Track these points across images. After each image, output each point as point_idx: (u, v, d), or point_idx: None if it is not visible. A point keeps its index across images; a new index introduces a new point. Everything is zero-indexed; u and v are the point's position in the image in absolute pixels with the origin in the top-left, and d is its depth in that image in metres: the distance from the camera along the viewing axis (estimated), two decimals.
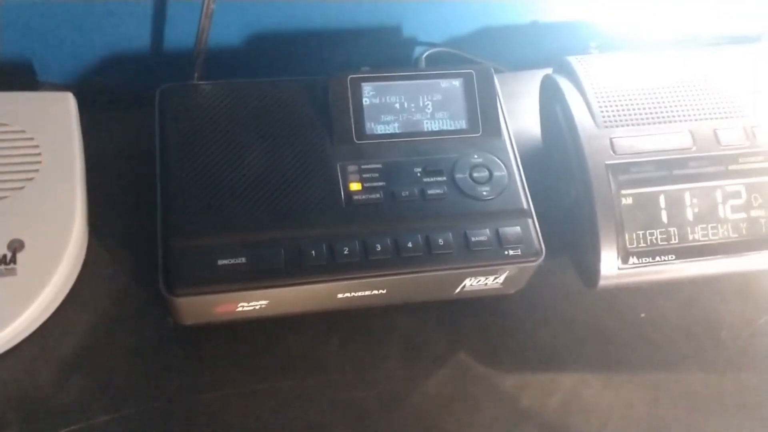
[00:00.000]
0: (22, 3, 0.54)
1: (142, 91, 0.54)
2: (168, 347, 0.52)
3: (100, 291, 0.52)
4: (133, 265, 0.54)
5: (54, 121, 0.53)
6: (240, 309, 0.49)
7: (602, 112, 0.56)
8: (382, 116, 0.54)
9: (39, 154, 0.52)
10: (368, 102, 0.54)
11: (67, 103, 0.54)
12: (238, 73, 0.57)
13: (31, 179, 0.51)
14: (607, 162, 0.54)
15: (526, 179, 0.54)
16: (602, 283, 0.54)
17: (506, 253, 0.50)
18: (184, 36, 0.57)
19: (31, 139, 0.52)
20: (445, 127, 0.54)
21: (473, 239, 0.50)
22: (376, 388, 0.52)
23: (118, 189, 0.56)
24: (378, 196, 0.51)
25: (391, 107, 0.54)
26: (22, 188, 0.50)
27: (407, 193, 0.51)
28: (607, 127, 0.55)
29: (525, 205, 0.52)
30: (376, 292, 0.51)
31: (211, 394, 0.50)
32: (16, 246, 0.49)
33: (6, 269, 0.48)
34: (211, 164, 0.51)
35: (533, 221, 0.52)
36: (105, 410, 0.48)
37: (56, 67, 0.59)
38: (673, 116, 0.57)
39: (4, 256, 0.48)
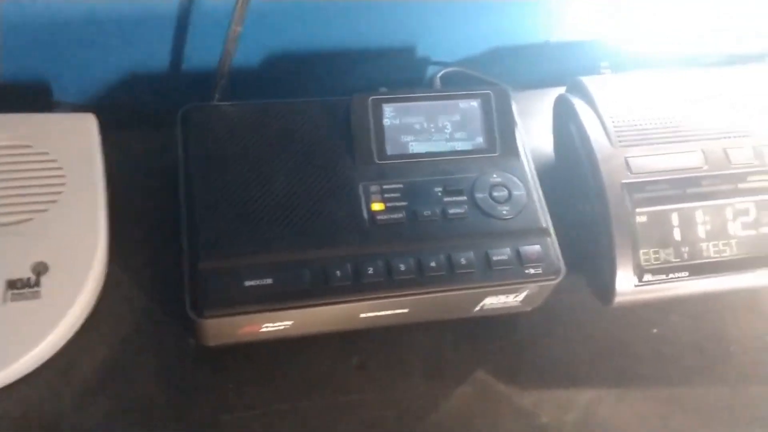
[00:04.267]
0: (43, 23, 0.54)
1: (161, 111, 0.55)
2: (190, 368, 0.52)
3: (121, 312, 0.52)
4: (154, 287, 0.54)
5: (77, 143, 0.53)
6: (264, 329, 0.50)
7: (617, 131, 0.57)
8: (403, 137, 0.55)
9: (62, 176, 0.52)
10: (389, 123, 0.55)
11: (90, 124, 0.54)
12: (255, 94, 0.57)
13: (54, 201, 0.51)
14: (623, 181, 0.55)
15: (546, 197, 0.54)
16: (618, 300, 0.55)
17: (527, 271, 0.51)
18: (204, 55, 0.58)
19: (55, 161, 0.52)
20: (464, 147, 0.55)
21: (494, 258, 0.51)
22: (397, 407, 0.52)
23: (139, 210, 0.56)
24: (400, 215, 0.52)
25: (411, 128, 0.55)
26: (45, 210, 0.50)
27: (429, 212, 0.52)
28: (622, 146, 0.56)
29: (544, 224, 0.53)
30: (398, 311, 0.51)
31: (234, 414, 0.50)
32: (40, 269, 0.49)
33: (30, 292, 0.48)
34: (235, 185, 0.51)
35: (552, 239, 0.53)
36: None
37: (74, 88, 0.59)
38: (686, 136, 0.58)
39: (29, 279, 0.48)
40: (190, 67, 0.60)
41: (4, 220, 0.50)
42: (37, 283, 0.48)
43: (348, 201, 0.52)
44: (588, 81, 0.60)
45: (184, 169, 0.52)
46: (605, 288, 0.55)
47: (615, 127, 0.57)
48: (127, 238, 0.55)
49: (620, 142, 0.56)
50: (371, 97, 0.55)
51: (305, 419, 0.51)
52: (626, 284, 0.54)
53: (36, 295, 0.48)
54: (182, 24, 0.57)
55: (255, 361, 0.52)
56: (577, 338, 0.57)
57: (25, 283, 0.48)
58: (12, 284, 0.48)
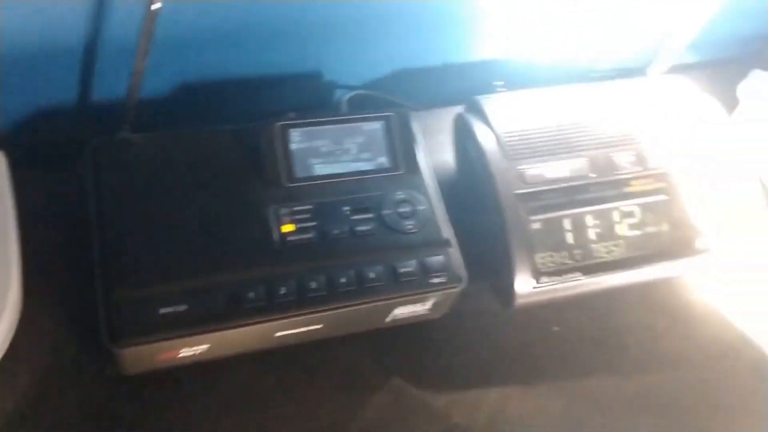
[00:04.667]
0: None
1: (71, 145, 0.55)
2: (110, 396, 0.53)
3: (39, 347, 0.53)
4: (71, 320, 0.55)
5: None
6: (182, 354, 0.51)
7: (510, 146, 0.61)
8: (310, 159, 0.57)
9: None
10: (296, 147, 0.57)
11: None
12: (165, 124, 0.59)
13: None
14: (516, 191, 0.60)
15: (447, 211, 0.58)
16: (518, 302, 0.59)
17: (432, 281, 0.54)
18: (114, 87, 0.58)
19: None
20: (369, 167, 0.58)
21: (401, 270, 0.54)
22: (317, 419, 0.55)
23: (51, 244, 0.57)
24: (310, 235, 0.54)
25: (317, 151, 0.58)
26: None
27: (338, 231, 0.55)
28: (515, 159, 0.61)
29: (447, 236, 0.57)
30: (312, 327, 0.54)
31: None
32: None
33: None
34: (146, 215, 0.52)
35: (455, 250, 0.56)
36: None
37: None
38: (573, 147, 0.63)
39: None
40: (99, 99, 0.61)
41: None
42: None
43: (259, 224, 0.54)
44: (483, 100, 0.64)
45: (95, 202, 0.53)
46: (506, 292, 0.59)
47: (508, 141, 0.61)
48: (41, 273, 0.55)
49: (514, 155, 0.61)
50: (278, 123, 0.57)
51: None
52: (525, 287, 0.58)
53: None
54: (89, 58, 0.58)
55: (174, 385, 0.54)
56: (483, 341, 0.61)
57: None
58: None
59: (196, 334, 0.50)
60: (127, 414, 0.52)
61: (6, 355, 0.51)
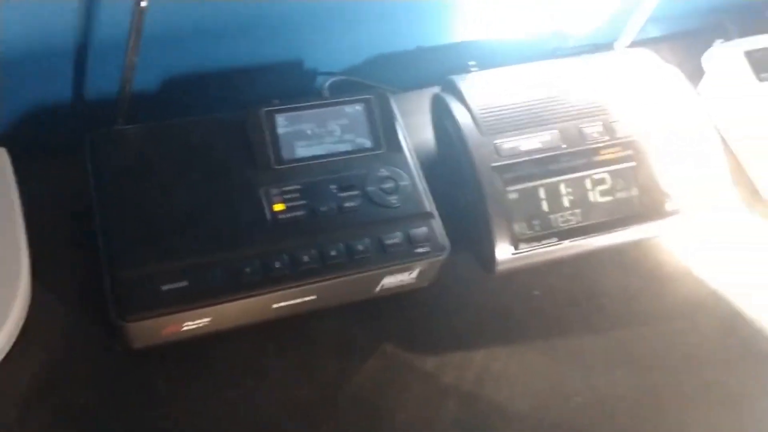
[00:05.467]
0: None
1: (70, 138, 0.58)
2: (121, 372, 0.56)
3: (50, 329, 0.56)
4: (79, 301, 0.58)
5: None
6: (185, 328, 0.55)
7: (485, 122, 0.65)
8: (296, 142, 0.61)
9: None
10: (282, 131, 0.60)
11: (2, 158, 0.58)
12: (157, 114, 0.62)
13: None
14: (492, 164, 0.63)
15: (428, 185, 0.62)
16: (499, 268, 0.63)
17: (417, 251, 0.58)
18: (107, 82, 0.61)
19: None
20: (352, 148, 0.62)
21: (387, 242, 0.58)
22: (315, 384, 0.58)
23: (56, 232, 0.60)
24: (300, 213, 0.58)
25: (303, 134, 0.61)
26: None
27: (326, 208, 0.58)
28: (490, 134, 0.64)
29: (428, 208, 0.60)
30: (307, 299, 0.57)
31: (166, 409, 0.55)
32: None
33: None
34: (145, 200, 0.56)
35: (437, 221, 0.60)
36: None
37: None
38: (545, 120, 0.66)
39: None
40: (93, 94, 0.64)
41: None
42: None
43: (251, 205, 0.57)
44: (458, 79, 0.67)
45: (95, 190, 0.56)
46: (488, 259, 0.63)
47: (483, 118, 0.65)
48: (48, 259, 0.58)
49: (489, 130, 0.64)
50: (264, 109, 0.60)
51: (234, 406, 0.56)
52: (505, 254, 0.62)
53: None
54: (81, 54, 0.61)
55: (180, 358, 0.57)
56: (468, 306, 0.65)
57: None
58: None
59: (197, 308, 0.53)
60: (136, 389, 0.56)
61: (19, 339, 0.54)
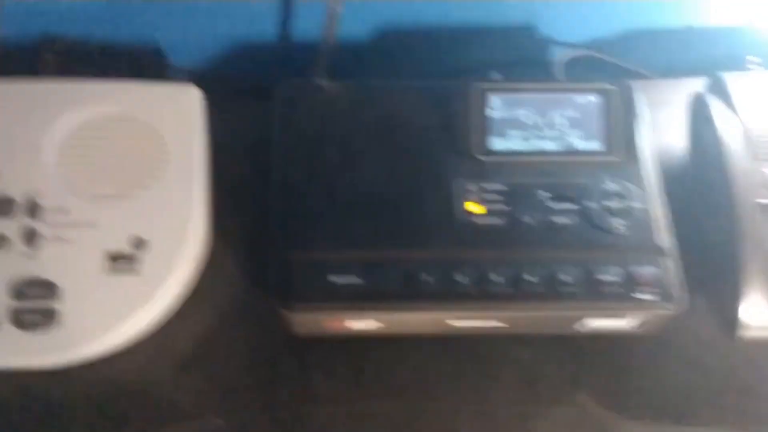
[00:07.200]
0: None
1: (265, 84, 0.53)
2: (282, 355, 0.51)
3: (219, 293, 0.53)
4: (254, 267, 0.53)
5: (181, 116, 0.53)
6: (349, 326, 0.49)
7: (759, 142, 0.50)
8: (509, 131, 0.50)
9: (166, 150, 0.52)
10: (495, 114, 0.50)
11: (193, 96, 0.54)
12: (360, 70, 0.55)
13: (157, 177, 0.51)
14: (759, 200, 0.48)
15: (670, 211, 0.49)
16: (744, 333, 0.49)
17: (637, 296, 0.46)
18: (311, 29, 0.56)
19: (160, 135, 0.52)
20: (578, 148, 0.50)
21: (601, 277, 0.46)
22: (490, 420, 0.50)
23: (240, 186, 0.56)
24: (498, 219, 0.48)
25: (519, 122, 0.51)
26: (147, 185, 0.51)
27: (531, 219, 0.48)
28: (763, 160, 0.49)
29: (665, 243, 0.47)
30: (487, 324, 0.48)
31: (320, 408, 0.50)
32: (139, 244, 0.50)
33: (129, 268, 0.49)
34: (327, 171, 0.50)
35: (674, 262, 0.47)
36: (216, 412, 0.49)
37: (183, 55, 0.60)
38: None
39: (128, 253, 0.49)
40: (297, 40, 0.59)
41: (105, 191, 0.51)
42: (136, 259, 0.50)
43: (444, 199, 0.49)
44: (730, 78, 0.52)
45: (277, 150, 0.51)
46: (729, 319, 0.49)
47: (757, 137, 0.49)
48: (229, 215, 0.54)
49: (762, 155, 0.49)
50: (477, 85, 0.51)
51: (391, 422, 0.49)
52: (754, 315, 0.48)
53: (134, 270, 0.49)
54: None
55: (345, 356, 0.51)
56: (696, 369, 0.51)
57: (124, 257, 0.49)
58: (111, 257, 0.49)
59: (364, 309, 0.47)
60: (292, 377, 0.51)
61: (186, 298, 0.51)
